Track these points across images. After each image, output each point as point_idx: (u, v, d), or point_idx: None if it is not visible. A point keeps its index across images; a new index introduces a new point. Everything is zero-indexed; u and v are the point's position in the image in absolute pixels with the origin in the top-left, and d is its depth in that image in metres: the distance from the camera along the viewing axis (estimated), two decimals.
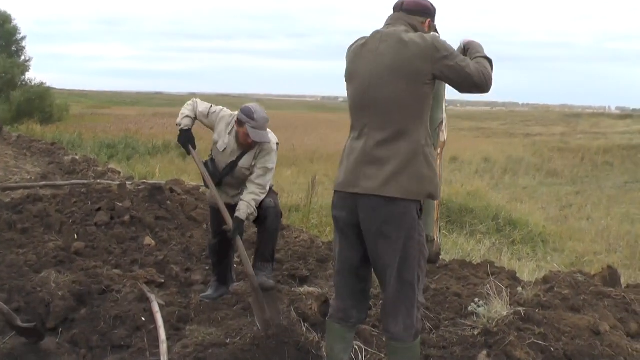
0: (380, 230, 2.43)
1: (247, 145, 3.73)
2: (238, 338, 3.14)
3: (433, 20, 2.62)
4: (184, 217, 5.92)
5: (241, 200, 3.71)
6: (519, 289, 3.98)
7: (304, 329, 3.28)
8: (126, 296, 3.75)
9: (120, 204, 5.68)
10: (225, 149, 3.80)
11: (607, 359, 3.00)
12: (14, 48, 31.80)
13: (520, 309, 3.40)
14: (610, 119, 44.22)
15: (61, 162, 11.13)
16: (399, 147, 2.40)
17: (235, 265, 4.38)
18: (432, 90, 2.47)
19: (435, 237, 2.78)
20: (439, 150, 2.69)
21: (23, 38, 32.15)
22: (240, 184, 3.83)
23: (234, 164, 3.79)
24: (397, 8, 2.61)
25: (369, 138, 2.46)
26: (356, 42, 2.60)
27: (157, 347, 3.13)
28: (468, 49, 2.57)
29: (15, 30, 31.52)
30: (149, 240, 5.24)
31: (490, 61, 2.49)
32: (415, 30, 2.52)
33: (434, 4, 2.63)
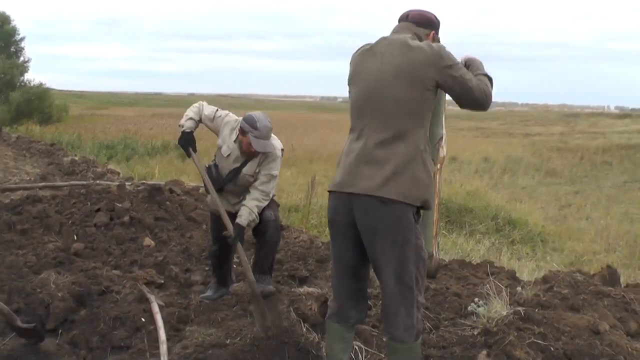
0: (376, 231, 2.43)
1: (250, 153, 3.69)
2: (238, 339, 3.13)
3: (437, 33, 2.67)
4: (183, 218, 5.91)
5: (243, 205, 3.66)
6: (519, 288, 3.98)
7: (304, 329, 3.28)
8: (126, 297, 3.74)
9: (120, 205, 5.68)
10: (229, 154, 3.76)
11: (606, 358, 3.00)
12: (13, 49, 31.81)
13: (519, 308, 3.40)
14: (609, 118, 44.20)
15: (60, 163, 11.13)
16: (397, 149, 2.41)
17: (235, 266, 4.38)
18: (434, 98, 2.49)
19: (435, 253, 2.77)
20: (438, 166, 2.70)
21: (22, 39, 32.20)
22: (242, 192, 3.78)
23: (237, 171, 3.74)
24: (402, 19, 2.66)
25: (368, 138, 2.47)
26: (361, 47, 2.63)
27: (157, 347, 3.13)
28: (469, 65, 2.59)
29: (14, 30, 31.53)
30: (148, 241, 5.24)
31: (490, 79, 2.54)
32: (420, 40, 2.56)
33: (437, 17, 2.68)
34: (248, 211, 3.63)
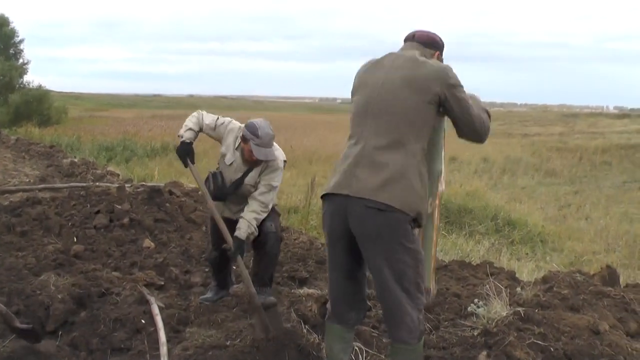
0: (372, 239, 2.43)
1: (252, 161, 3.66)
2: (238, 340, 3.13)
3: (441, 54, 2.72)
4: (183, 219, 5.91)
5: (242, 218, 3.62)
6: (518, 289, 3.97)
7: (304, 330, 3.28)
8: (126, 299, 3.75)
9: (119, 207, 5.68)
10: (232, 163, 3.73)
11: (606, 358, 3.00)
12: (12, 51, 31.86)
13: (519, 309, 3.40)
14: (608, 118, 44.21)
15: (60, 164, 11.14)
16: (395, 156, 2.43)
17: (234, 267, 4.38)
18: (437, 114, 2.51)
19: (432, 288, 2.75)
20: (437, 202, 2.70)
21: (21, 41, 32.24)
22: (244, 200, 3.74)
23: (240, 182, 3.71)
24: (408, 39, 2.71)
25: (367, 143, 2.48)
26: (367, 62, 2.69)
27: (157, 349, 3.13)
28: (470, 98, 2.62)
29: (13, 33, 31.57)
30: (148, 242, 5.23)
31: (489, 115, 2.61)
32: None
33: (442, 39, 2.73)
34: (247, 224, 3.59)
